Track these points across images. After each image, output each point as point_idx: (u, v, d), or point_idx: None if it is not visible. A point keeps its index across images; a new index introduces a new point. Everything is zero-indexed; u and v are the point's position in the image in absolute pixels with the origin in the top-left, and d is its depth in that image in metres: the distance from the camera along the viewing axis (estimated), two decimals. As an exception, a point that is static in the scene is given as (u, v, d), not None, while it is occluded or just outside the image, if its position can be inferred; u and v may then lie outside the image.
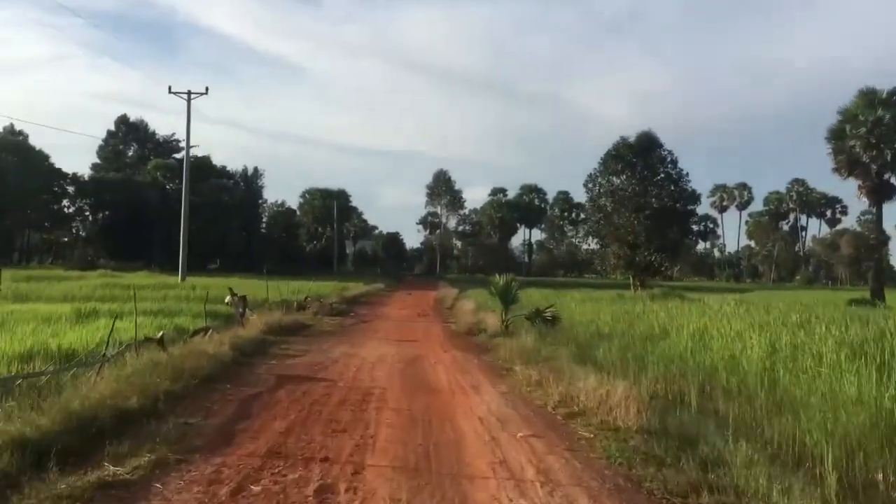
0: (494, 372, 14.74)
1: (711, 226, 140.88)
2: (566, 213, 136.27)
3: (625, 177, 49.33)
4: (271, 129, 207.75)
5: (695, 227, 52.50)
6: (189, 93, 42.53)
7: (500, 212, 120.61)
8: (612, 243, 49.26)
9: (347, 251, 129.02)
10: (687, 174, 48.92)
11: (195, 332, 16.70)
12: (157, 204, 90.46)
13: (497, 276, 23.42)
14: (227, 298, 21.74)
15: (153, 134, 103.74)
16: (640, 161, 48.62)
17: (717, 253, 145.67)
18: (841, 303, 35.08)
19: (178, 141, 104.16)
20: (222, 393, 11.33)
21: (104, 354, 11.28)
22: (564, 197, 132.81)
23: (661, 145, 49.10)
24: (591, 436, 9.24)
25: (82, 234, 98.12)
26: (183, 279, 42.42)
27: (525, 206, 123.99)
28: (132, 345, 12.98)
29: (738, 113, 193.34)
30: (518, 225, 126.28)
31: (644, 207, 48.23)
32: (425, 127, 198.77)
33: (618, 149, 49.17)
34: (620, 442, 8.83)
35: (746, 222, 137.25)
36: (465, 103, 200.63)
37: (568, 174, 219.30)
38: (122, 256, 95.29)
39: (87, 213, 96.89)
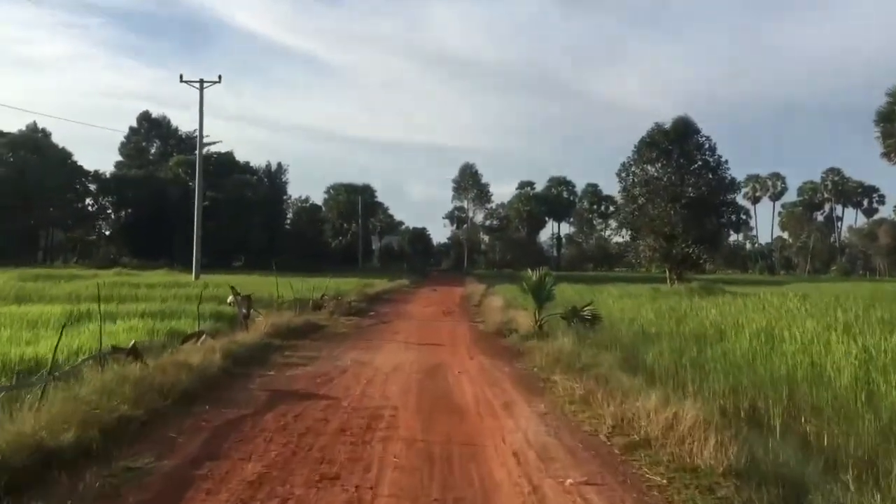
0: (529, 384, 12.42)
1: (744, 217, 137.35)
2: (595, 206, 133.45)
3: (660, 165, 46.71)
4: (297, 125, 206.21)
5: (733, 218, 49.39)
6: (201, 81, 40.63)
7: (527, 205, 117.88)
8: (647, 235, 46.67)
9: (373, 247, 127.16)
10: (726, 161, 46.24)
11: (186, 338, 14.61)
12: (179, 201, 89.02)
13: (529, 271, 20.99)
14: (230, 298, 19.62)
15: (176, 130, 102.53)
16: (675, 148, 45.97)
17: (748, 245, 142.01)
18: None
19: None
20: (196, 418, 9.15)
21: (50, 371, 9.11)
22: (593, 190, 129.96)
23: (697, 131, 46.43)
24: (665, 481, 6.93)
25: (105, 232, 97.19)
26: (197, 277, 40.55)
27: (553, 199, 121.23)
28: (98, 356, 10.86)
29: (772, 102, 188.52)
30: (546, 219, 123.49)
31: (680, 197, 45.62)
32: (451, 121, 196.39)
33: (652, 136, 46.54)
34: (705, 492, 6.53)
35: (779, 213, 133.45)
36: (493, 97, 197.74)
37: (597, 167, 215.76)
38: (144, 254, 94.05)
39: (110, 211, 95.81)
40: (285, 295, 27.85)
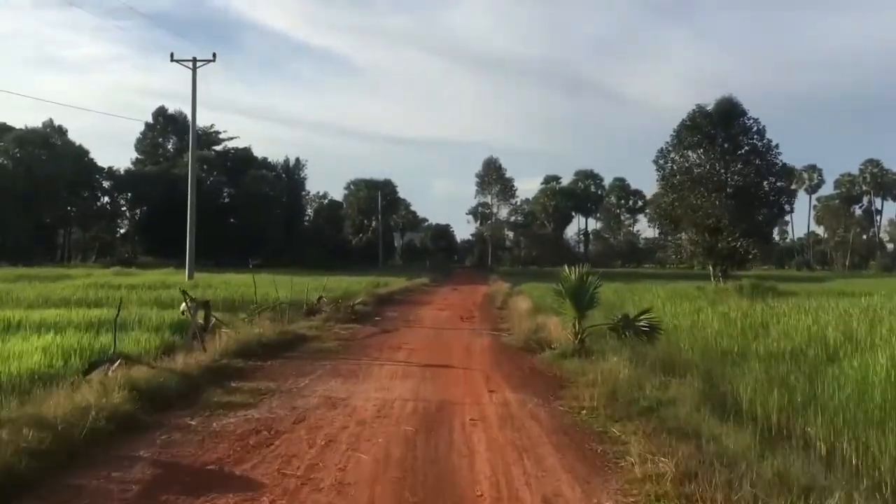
0: (581, 446, 7.80)
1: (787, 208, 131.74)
2: (623, 201, 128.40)
3: (702, 151, 41.91)
4: (319, 122, 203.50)
5: (786, 208, 44.59)
6: (194, 60, 36.43)
7: (553, 199, 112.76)
8: (688, 228, 41.92)
9: (396, 244, 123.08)
10: (776, 146, 41.30)
11: (92, 365, 10.34)
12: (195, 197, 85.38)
13: (566, 269, 16.40)
14: (182, 306, 15.28)
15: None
16: (719, 132, 41.16)
17: (781, 239, 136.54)
18: None
19: (218, 132, 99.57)
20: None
21: None
22: (621, 184, 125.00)
23: (743, 113, 41.52)
24: None
25: (121, 230, 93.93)
26: (190, 277, 36.50)
27: (581, 194, 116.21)
28: None
29: (800, 94, 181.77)
30: (573, 214, 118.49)
31: (725, 185, 40.88)
32: (474, 117, 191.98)
33: (693, 119, 41.71)
34: None
35: (815, 207, 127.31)
36: (516, 92, 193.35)
37: (623, 162, 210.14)
38: (161, 253, 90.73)
39: (125, 209, 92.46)
40: (282, 296, 23.72)
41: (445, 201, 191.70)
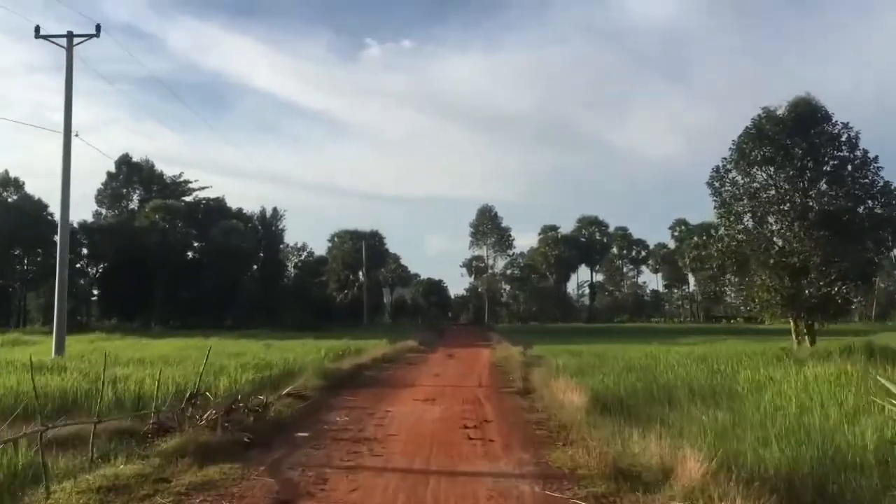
0: None
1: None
2: (626, 251, 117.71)
3: (773, 168, 30.98)
4: (308, 180, 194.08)
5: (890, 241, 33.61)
6: (70, 36, 25.47)
7: (555, 249, 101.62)
8: (759, 269, 30.74)
9: (385, 300, 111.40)
10: (875, 158, 30.32)
11: None
12: (158, 251, 74.23)
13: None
14: None
15: (160, 175, 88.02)
16: (796, 142, 30.28)
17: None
18: None
19: (188, 181, 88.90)
20: None
21: None
22: (623, 233, 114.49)
23: (828, 118, 30.71)
24: None
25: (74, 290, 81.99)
26: (59, 351, 24.77)
27: (585, 243, 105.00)
28: None
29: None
30: (576, 265, 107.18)
31: (807, 212, 29.90)
32: (467, 172, 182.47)
33: (760, 126, 30.81)
34: None
35: None
36: (509, 147, 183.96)
37: (622, 216, 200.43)
38: (122, 313, 79.20)
39: (82, 266, 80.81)
40: (177, 378, 12.47)
41: (438, 258, 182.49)
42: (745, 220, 30.89)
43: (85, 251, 78.72)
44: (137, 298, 74.34)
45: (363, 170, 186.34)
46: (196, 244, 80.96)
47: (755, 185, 30.87)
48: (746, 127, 30.78)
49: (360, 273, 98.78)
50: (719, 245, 31.22)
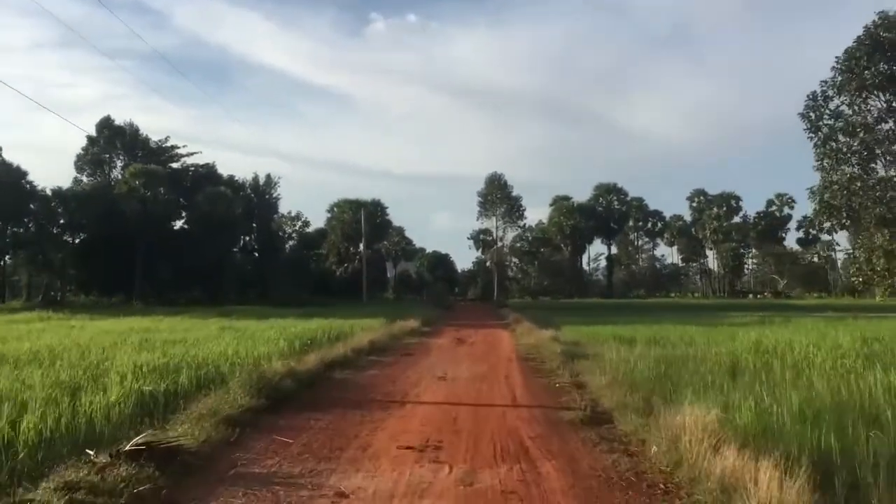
0: None
1: (814, 232, 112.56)
2: (641, 223, 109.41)
3: (891, 93, 22.79)
4: (316, 158, 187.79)
5: None
6: None
7: (570, 219, 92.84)
8: (875, 225, 22.65)
9: (389, 275, 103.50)
10: None
11: None
12: (139, 220, 66.31)
13: None
14: None
15: (146, 140, 79.85)
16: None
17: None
18: None
19: (175, 146, 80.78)
20: None
21: None
22: (639, 204, 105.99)
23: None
24: None
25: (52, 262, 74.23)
26: None
27: (602, 213, 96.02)
28: None
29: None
30: (592, 236, 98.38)
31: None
32: (476, 150, 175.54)
33: (873, 36, 22.66)
34: None
35: None
36: (517, 125, 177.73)
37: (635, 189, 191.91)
38: (102, 288, 71.45)
39: (58, 235, 72.86)
40: None
41: (445, 235, 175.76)
42: (853, 162, 22.63)
43: (62, 221, 70.81)
44: (117, 272, 66.59)
45: (369, 146, 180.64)
46: (184, 214, 73.00)
47: (866, 116, 22.62)
48: (858, 37, 22.43)
49: (361, 245, 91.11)
50: (827, 194, 22.98)
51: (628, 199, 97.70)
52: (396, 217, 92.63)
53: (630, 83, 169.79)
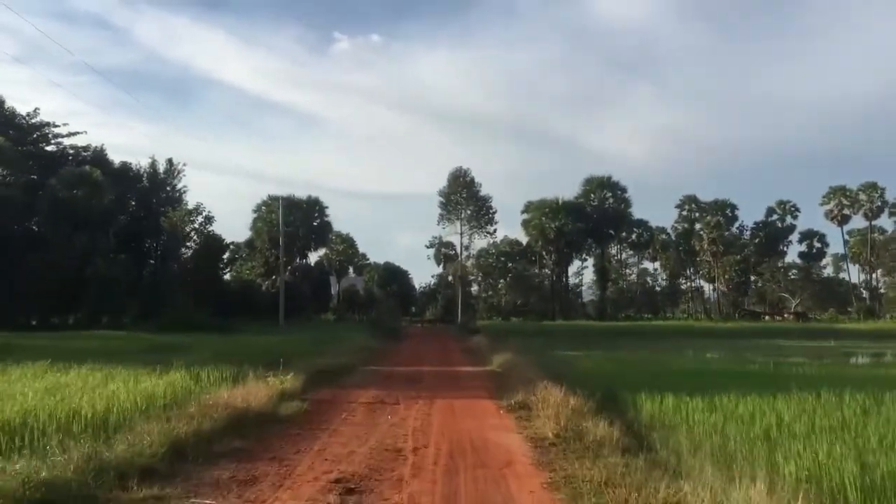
0: None
1: (819, 245, 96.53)
2: (624, 234, 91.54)
3: None
4: (283, 177, 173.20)
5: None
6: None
7: (556, 220, 73.11)
8: None
9: (333, 290, 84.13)
10: None
11: None
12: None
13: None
14: None
15: (11, 115, 59.80)
16: None
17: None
18: None
19: (55, 124, 60.82)
20: None
21: None
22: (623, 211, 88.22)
23: None
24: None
25: None
26: None
27: (593, 213, 75.84)
28: None
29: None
30: (582, 242, 78.30)
31: None
32: (440, 171, 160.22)
33: None
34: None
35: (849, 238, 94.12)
36: (483, 146, 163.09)
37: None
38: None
39: None
40: None
41: (408, 253, 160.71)
42: None
43: None
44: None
45: (333, 166, 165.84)
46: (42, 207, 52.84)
47: None
48: None
49: (297, 257, 71.84)
50: None
51: (626, 195, 78.08)
52: (359, 236, 74.48)
53: (602, 107, 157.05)
